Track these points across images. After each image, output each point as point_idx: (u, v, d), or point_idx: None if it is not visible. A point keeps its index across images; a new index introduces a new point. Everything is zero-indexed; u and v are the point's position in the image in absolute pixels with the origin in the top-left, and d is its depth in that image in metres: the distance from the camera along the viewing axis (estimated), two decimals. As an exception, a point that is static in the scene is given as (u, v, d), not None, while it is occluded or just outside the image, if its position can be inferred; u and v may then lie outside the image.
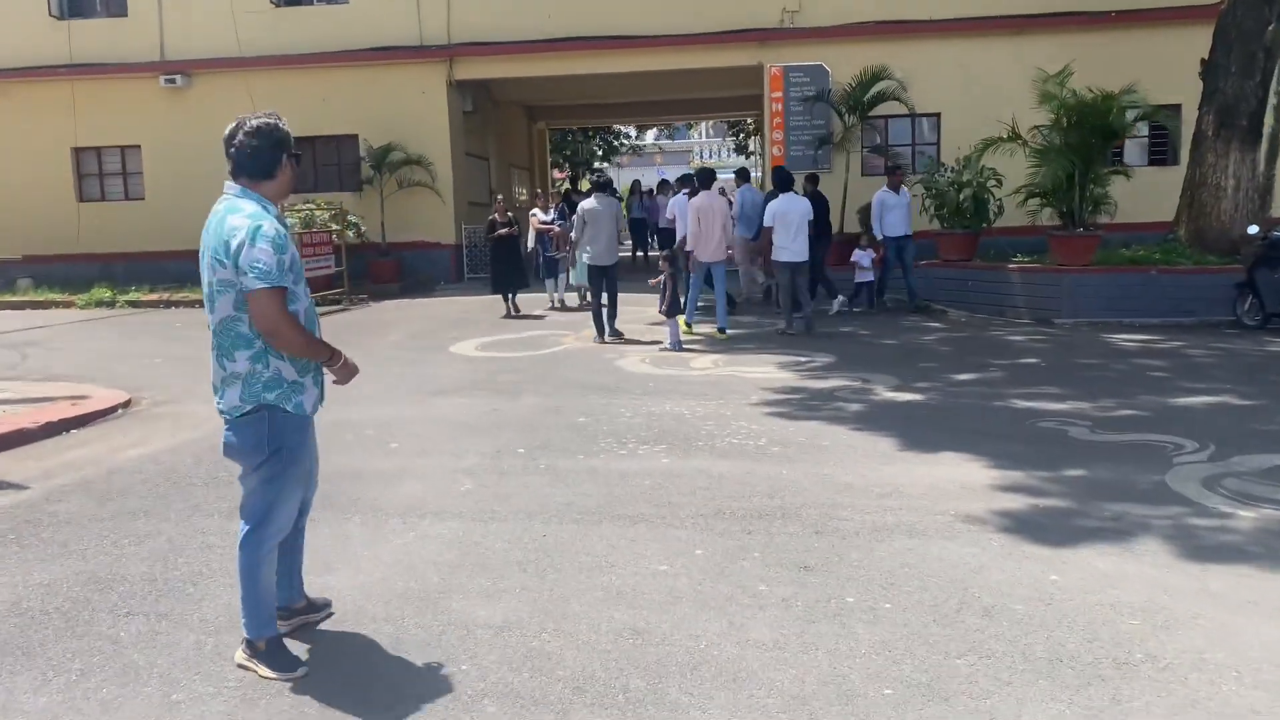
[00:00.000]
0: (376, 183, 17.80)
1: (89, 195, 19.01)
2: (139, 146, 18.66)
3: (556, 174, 31.77)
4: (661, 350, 10.40)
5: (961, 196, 13.40)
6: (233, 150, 3.32)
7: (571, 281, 14.59)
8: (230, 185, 3.35)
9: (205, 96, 18.04)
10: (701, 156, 58.94)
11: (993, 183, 13.55)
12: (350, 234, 16.85)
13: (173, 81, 18.12)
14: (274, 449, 3.37)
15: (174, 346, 11.93)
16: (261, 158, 3.32)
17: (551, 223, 14.47)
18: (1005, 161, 13.02)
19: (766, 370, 9.14)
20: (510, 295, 13.71)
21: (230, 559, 3.90)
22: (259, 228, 3.18)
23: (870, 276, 13.26)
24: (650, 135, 56.83)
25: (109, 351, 11.71)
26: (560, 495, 5.35)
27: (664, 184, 22.95)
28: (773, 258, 11.23)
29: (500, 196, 15.48)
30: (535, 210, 14.78)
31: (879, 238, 13.29)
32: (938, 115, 17.20)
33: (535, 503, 5.24)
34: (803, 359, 9.69)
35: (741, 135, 35.27)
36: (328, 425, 5.14)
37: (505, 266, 13.71)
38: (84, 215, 18.73)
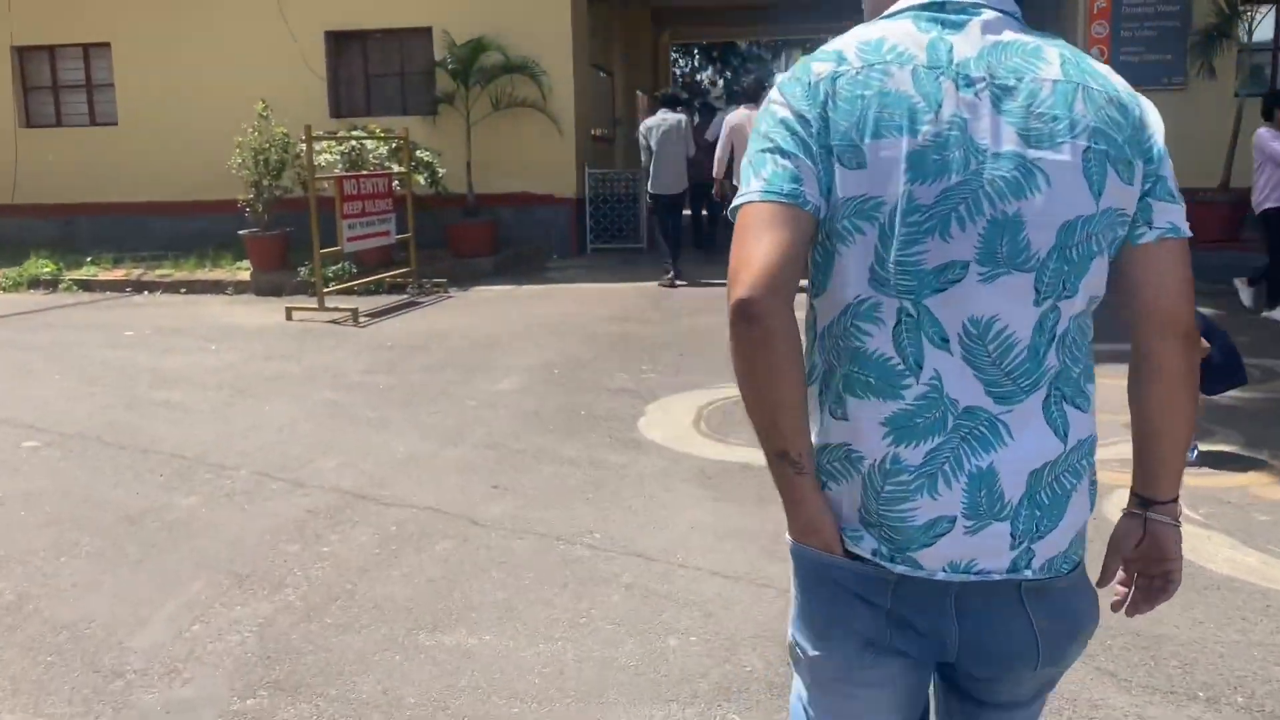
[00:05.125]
0: (460, 101, 11.67)
1: (38, 119, 13.25)
2: (108, 45, 12.74)
3: None
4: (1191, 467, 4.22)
5: None
6: None
7: None
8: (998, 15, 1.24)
9: (207, -28, 12.36)
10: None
11: None
12: (421, 179, 10.75)
13: (159, -51, 12.29)
14: None
15: (93, 394, 6.07)
16: None
17: None
18: None
19: None
20: None
21: None
22: None
23: None
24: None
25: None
26: None
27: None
28: None
29: None
30: None
31: None
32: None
33: None
34: None
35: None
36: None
37: None
38: (27, 147, 12.89)
